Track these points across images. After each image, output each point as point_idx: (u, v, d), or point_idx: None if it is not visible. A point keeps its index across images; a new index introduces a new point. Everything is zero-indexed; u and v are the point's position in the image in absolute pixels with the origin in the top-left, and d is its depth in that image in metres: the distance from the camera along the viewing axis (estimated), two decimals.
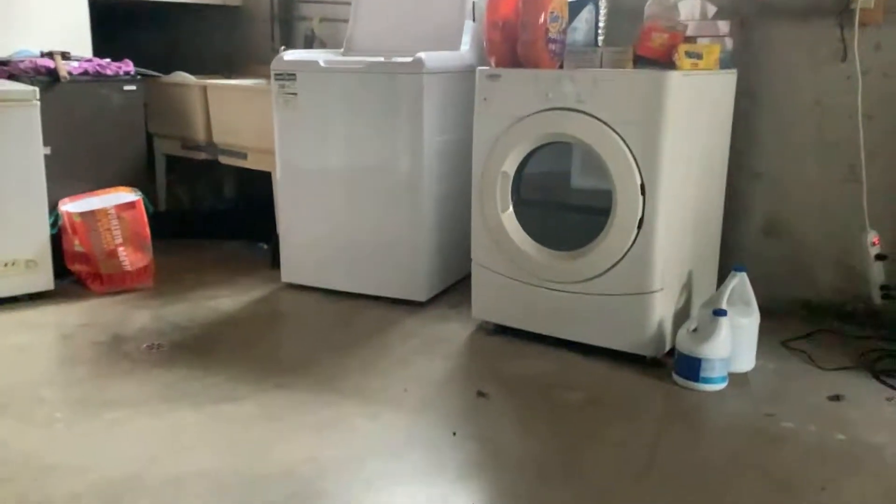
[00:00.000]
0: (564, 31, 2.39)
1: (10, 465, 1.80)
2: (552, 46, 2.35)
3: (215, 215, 3.93)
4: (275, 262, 3.16)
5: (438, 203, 2.87)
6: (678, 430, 2.05)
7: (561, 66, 2.39)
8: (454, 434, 1.98)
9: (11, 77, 3.00)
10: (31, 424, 2.00)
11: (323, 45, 3.61)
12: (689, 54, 2.24)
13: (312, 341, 2.60)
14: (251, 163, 3.40)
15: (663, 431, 2.04)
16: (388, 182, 2.82)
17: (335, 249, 2.96)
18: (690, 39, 2.31)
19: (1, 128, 2.71)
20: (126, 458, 1.84)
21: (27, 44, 3.23)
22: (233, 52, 4.11)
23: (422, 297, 2.88)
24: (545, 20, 2.29)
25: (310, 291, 3.01)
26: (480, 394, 2.20)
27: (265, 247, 3.47)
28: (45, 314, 2.75)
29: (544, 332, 2.51)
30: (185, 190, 3.90)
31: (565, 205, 2.67)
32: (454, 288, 3.02)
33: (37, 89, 2.81)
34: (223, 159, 3.52)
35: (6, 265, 2.76)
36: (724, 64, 2.50)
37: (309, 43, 3.69)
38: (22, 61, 3.06)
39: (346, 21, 3.33)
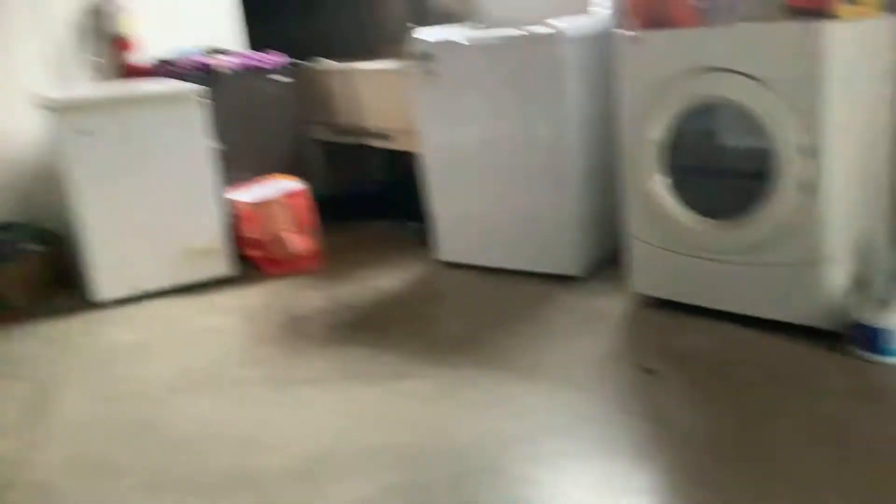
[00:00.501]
0: None
1: (215, 441, 1.99)
2: (697, 3, 2.27)
3: (367, 197, 4.07)
4: (424, 240, 3.25)
5: (586, 174, 2.85)
6: (866, 406, 1.97)
7: (707, 24, 2.30)
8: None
9: (178, 76, 3.22)
10: (229, 401, 2.18)
11: (455, 20, 3.61)
12: (850, 0, 2.09)
13: (473, 319, 2.67)
14: (397, 143, 3.48)
15: (850, 407, 1.96)
16: (535, 156, 2.82)
17: (486, 226, 3.00)
18: None
19: (174, 125, 2.93)
20: (317, 433, 1.99)
21: (188, 43, 3.44)
22: (367, 34, 4.17)
23: (577, 272, 2.88)
24: None
25: (464, 269, 3.08)
26: (648, 370, 2.20)
27: (415, 225, 3.56)
28: (228, 298, 2.97)
29: (709, 306, 2.45)
30: (339, 174, 4.07)
31: (720, 170, 2.58)
32: (608, 261, 2.99)
33: (203, 87, 3.00)
34: (371, 142, 3.63)
35: (192, 252, 3.00)
36: (890, 6, 2.30)
37: (441, 18, 3.69)
38: (187, 61, 3.28)
39: None
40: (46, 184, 3.13)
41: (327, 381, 2.26)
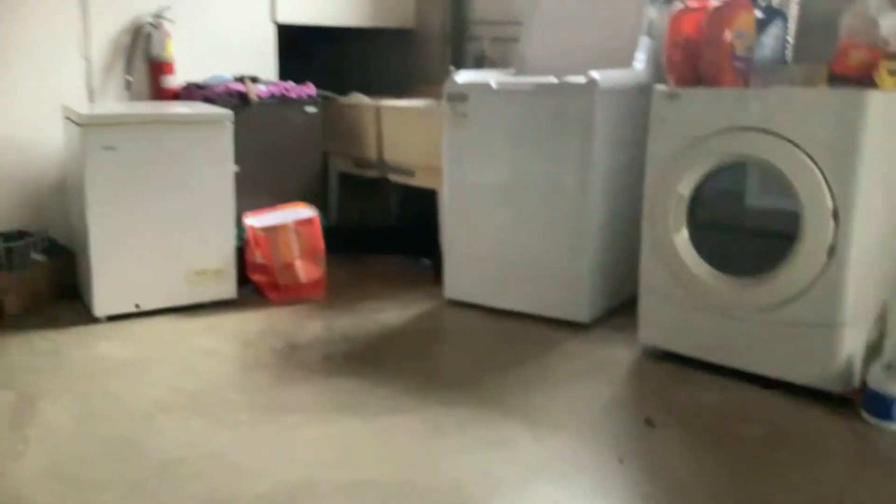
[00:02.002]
0: (751, 49, 2.29)
1: (199, 463, 1.93)
2: (737, 64, 2.26)
3: (382, 231, 4.06)
4: (438, 277, 3.23)
5: (605, 223, 2.82)
6: (871, 473, 1.89)
7: (746, 85, 2.29)
8: (621, 461, 1.93)
9: (207, 100, 3.26)
10: (219, 425, 2.13)
11: (493, 65, 3.66)
12: (892, 72, 2.08)
13: (475, 358, 2.62)
14: (419, 180, 3.49)
15: (855, 473, 1.88)
16: (555, 201, 2.81)
17: (499, 267, 2.98)
18: (892, 56, 2.14)
19: (199, 147, 2.94)
20: (303, 463, 1.93)
21: (221, 69, 3.49)
22: (404, 73, 4.25)
23: (585, 319, 2.83)
24: (731, 37, 2.21)
25: (472, 308, 3.04)
26: (648, 422, 2.13)
27: (428, 262, 3.54)
28: (228, 321, 2.94)
29: (717, 362, 2.40)
30: (355, 206, 4.07)
31: (743, 227, 2.54)
32: (618, 310, 2.95)
33: (231, 113, 3.03)
34: (392, 177, 3.64)
35: (197, 274, 2.99)
36: None
37: (479, 63, 3.75)
38: (217, 86, 3.32)
39: (516, 40, 3.36)
40: (63, 196, 3.15)
41: (318, 411, 2.21)
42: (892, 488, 1.83)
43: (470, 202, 3.01)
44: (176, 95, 3.40)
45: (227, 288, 3.07)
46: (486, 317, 2.97)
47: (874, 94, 2.06)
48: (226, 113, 3.01)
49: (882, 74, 2.08)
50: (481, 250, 3.01)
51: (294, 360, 2.56)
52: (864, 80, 2.11)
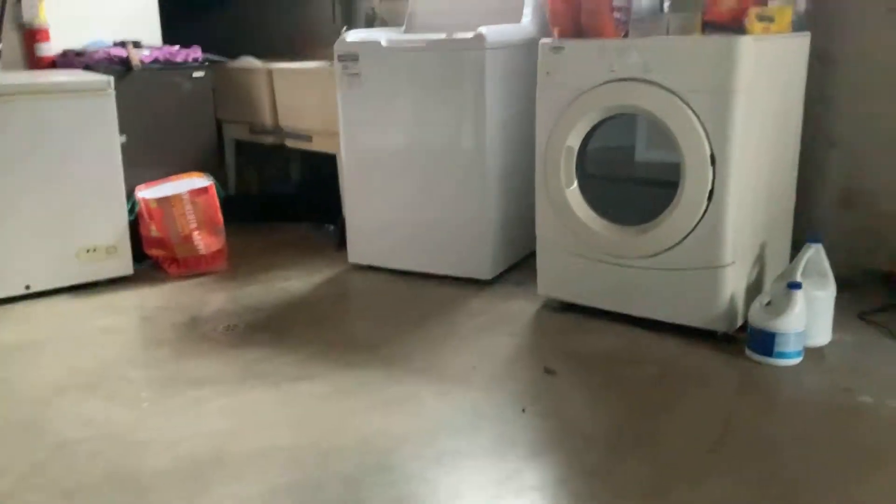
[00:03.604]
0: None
1: (100, 441, 1.89)
2: (617, 15, 2.31)
3: (283, 198, 4.01)
4: (341, 243, 3.21)
5: (502, 179, 2.86)
6: (752, 405, 2.02)
7: (626, 35, 2.35)
8: (523, 410, 2.00)
9: (87, 67, 3.11)
10: (118, 403, 2.09)
11: (384, 24, 3.62)
12: (760, 17, 2.16)
13: (381, 321, 2.64)
14: (316, 145, 3.45)
15: (737, 407, 2.01)
16: (452, 160, 2.83)
17: (400, 229, 2.99)
18: (761, 2, 2.23)
19: (79, 117, 2.82)
20: (209, 435, 1.92)
21: (100, 34, 3.33)
22: (296, 34, 4.15)
23: (487, 275, 2.89)
24: None
25: (376, 272, 3.05)
26: (548, 370, 2.21)
27: (332, 228, 3.53)
28: (126, 298, 2.86)
29: (612, 309, 2.49)
30: (254, 174, 3.99)
31: (632, 178, 2.64)
32: (520, 265, 3.02)
33: (111, 78, 2.90)
34: (289, 142, 3.58)
35: (88, 251, 2.88)
36: (797, 26, 2.41)
37: (370, 22, 3.70)
38: (96, 52, 3.17)
39: None
40: None
41: (222, 382, 2.19)
42: (769, 417, 1.96)
43: (368, 164, 3.00)
44: (53, 64, 3.24)
45: (123, 264, 2.98)
46: (390, 279, 2.99)
47: (744, 39, 2.13)
48: (106, 80, 2.88)
49: (751, 20, 2.16)
50: (383, 213, 3.01)
51: (196, 334, 2.52)
52: (735, 26, 2.19)
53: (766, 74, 2.27)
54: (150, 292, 2.91)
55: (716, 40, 2.16)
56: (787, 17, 2.28)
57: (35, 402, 2.10)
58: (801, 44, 2.49)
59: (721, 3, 2.19)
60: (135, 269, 3.01)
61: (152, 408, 2.06)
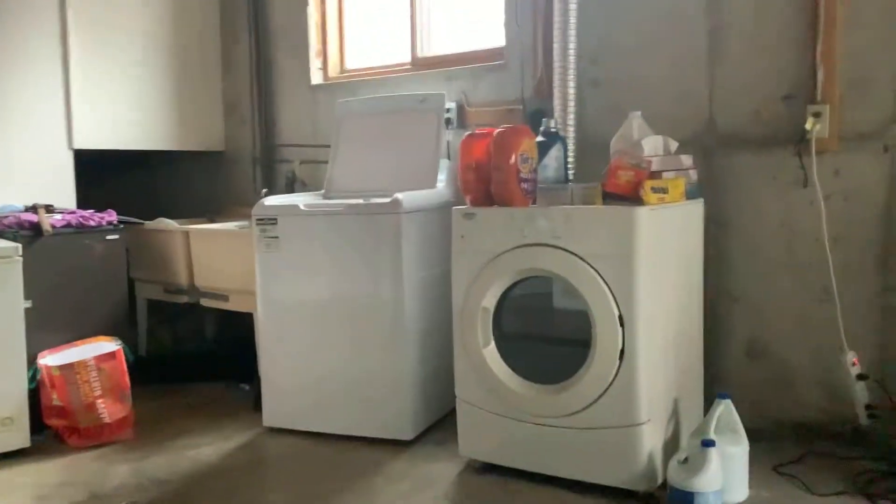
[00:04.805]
0: (535, 170, 2.48)
1: None
2: (524, 185, 2.43)
3: (197, 357, 3.90)
4: (257, 404, 3.12)
5: (421, 339, 2.87)
6: None
7: (534, 203, 2.46)
8: None
9: None
10: None
11: (304, 187, 3.71)
12: (655, 189, 2.32)
13: (296, 490, 2.52)
14: (233, 304, 3.42)
15: None
16: (371, 320, 2.83)
17: (318, 390, 2.93)
18: (656, 175, 2.39)
19: None
20: None
21: (12, 198, 3.29)
22: (216, 196, 4.20)
23: (408, 435, 2.83)
24: (516, 161, 2.38)
25: (293, 435, 2.95)
26: None
27: (247, 388, 3.43)
28: (20, 474, 2.66)
29: (533, 469, 2.46)
30: (167, 333, 3.89)
31: (548, 337, 2.68)
32: (441, 422, 2.98)
33: (19, 245, 2.84)
34: (205, 302, 3.53)
35: None
36: (691, 194, 2.59)
37: (291, 185, 3.79)
38: (6, 217, 3.11)
39: (326, 163, 3.44)
40: None
41: None
42: None
43: (286, 324, 2.97)
44: None
45: (19, 437, 2.80)
46: (307, 443, 2.89)
47: (641, 209, 2.27)
48: (14, 246, 2.82)
49: (646, 191, 2.31)
50: (300, 373, 2.96)
51: None
52: (633, 196, 2.33)
53: (665, 239, 2.40)
54: (48, 467, 2.72)
55: (615, 210, 2.29)
56: (680, 187, 2.45)
57: None
58: (695, 210, 2.67)
59: (619, 176, 2.34)
60: (32, 442, 2.83)
61: None
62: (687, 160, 2.61)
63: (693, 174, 2.62)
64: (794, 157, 2.68)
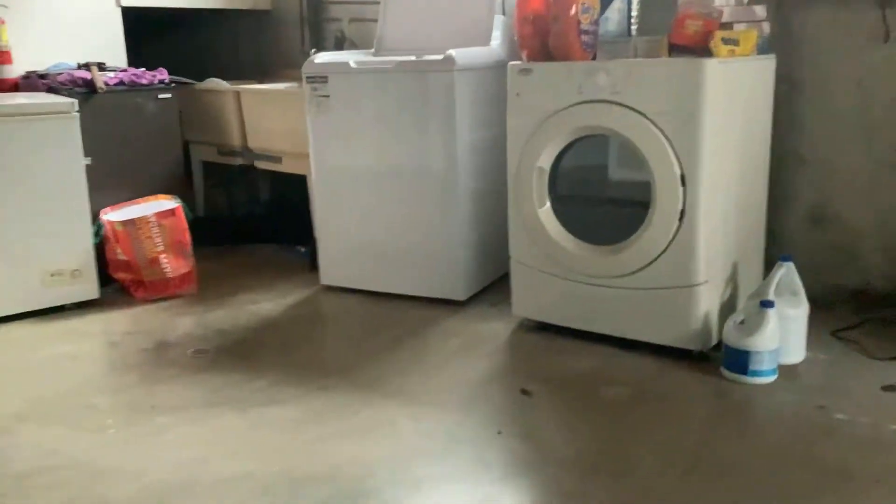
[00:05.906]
0: (596, 22, 2.36)
1: (63, 471, 1.83)
2: (584, 38, 2.32)
3: (253, 220, 3.96)
4: (313, 265, 3.18)
5: (474, 200, 2.85)
6: (727, 425, 2.01)
7: (594, 58, 2.36)
8: (499, 433, 1.97)
9: (51, 90, 3.05)
10: (82, 431, 2.03)
11: (354, 46, 3.61)
12: (725, 41, 2.19)
13: (353, 343, 2.61)
14: (286, 166, 3.42)
15: (712, 426, 2.00)
16: (423, 181, 2.81)
17: (373, 251, 2.96)
18: (726, 25, 2.26)
19: (42, 140, 2.77)
20: (176, 462, 1.87)
21: (64, 57, 3.28)
22: (264, 57, 4.14)
23: (461, 296, 2.87)
24: (576, 11, 2.27)
25: (349, 293, 3.02)
26: (524, 392, 2.19)
27: (303, 250, 3.49)
28: (91, 322, 2.80)
29: (586, 328, 2.48)
30: (223, 195, 3.94)
31: (604, 198, 2.64)
32: (494, 286, 3.00)
33: (75, 101, 2.85)
34: (259, 164, 3.55)
35: (52, 275, 2.82)
36: (762, 49, 2.45)
37: (339, 44, 3.70)
38: (60, 74, 3.12)
39: (375, 21, 3.33)
40: None
41: (190, 408, 2.13)
42: (744, 436, 1.96)
43: (339, 186, 2.98)
44: (16, 86, 3.18)
45: (88, 288, 2.91)
46: (363, 301, 2.95)
47: (710, 62, 2.16)
48: (70, 102, 2.83)
49: (716, 43, 2.19)
50: (354, 234, 2.99)
51: (163, 359, 2.47)
52: (701, 48, 2.21)
53: (734, 96, 2.29)
54: (117, 317, 2.85)
55: (682, 63, 2.18)
56: (752, 40, 2.31)
57: None
58: (767, 66, 2.53)
59: (687, 26, 2.22)
60: (101, 293, 2.95)
61: (118, 435, 2.01)
62: (760, 11, 2.45)
63: (766, 27, 2.47)
64: (875, 10, 2.50)
